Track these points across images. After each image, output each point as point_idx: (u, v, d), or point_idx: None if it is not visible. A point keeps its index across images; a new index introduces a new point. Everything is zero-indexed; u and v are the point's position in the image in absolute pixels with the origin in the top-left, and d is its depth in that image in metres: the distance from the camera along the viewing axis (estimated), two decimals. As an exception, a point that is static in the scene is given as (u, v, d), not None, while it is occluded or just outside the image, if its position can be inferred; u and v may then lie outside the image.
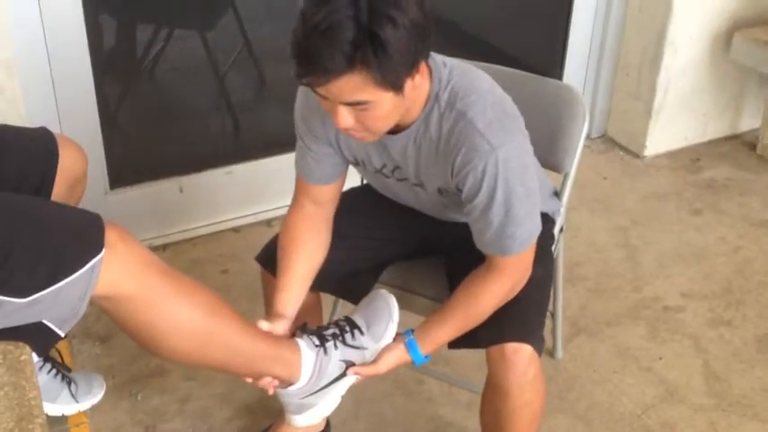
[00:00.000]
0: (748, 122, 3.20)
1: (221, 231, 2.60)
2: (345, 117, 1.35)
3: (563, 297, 2.15)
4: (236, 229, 2.62)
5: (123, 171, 2.49)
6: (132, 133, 2.64)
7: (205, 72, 2.68)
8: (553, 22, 3.02)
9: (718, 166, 3.04)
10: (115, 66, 2.54)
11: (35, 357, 1.59)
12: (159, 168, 2.56)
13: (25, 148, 1.58)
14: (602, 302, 2.39)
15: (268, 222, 2.63)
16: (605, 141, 3.17)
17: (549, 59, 3.05)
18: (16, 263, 1.25)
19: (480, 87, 1.46)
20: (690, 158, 3.09)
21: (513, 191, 1.44)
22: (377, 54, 1.26)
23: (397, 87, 1.32)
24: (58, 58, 2.22)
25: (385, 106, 1.34)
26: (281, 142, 2.62)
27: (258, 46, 2.70)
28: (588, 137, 3.14)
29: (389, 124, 1.41)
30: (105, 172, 2.42)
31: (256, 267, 1.78)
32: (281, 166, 2.59)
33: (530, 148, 1.50)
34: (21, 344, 1.26)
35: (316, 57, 1.26)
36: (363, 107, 1.33)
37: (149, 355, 2.15)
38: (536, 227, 1.52)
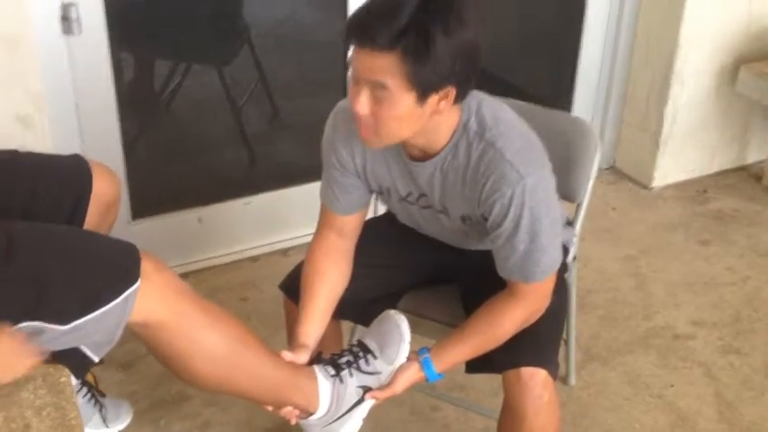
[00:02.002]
0: (755, 154, 3.26)
1: (240, 260, 2.65)
2: (364, 103, 1.39)
3: (575, 325, 2.20)
4: (254, 258, 2.68)
5: (145, 202, 2.55)
6: (153, 165, 2.71)
7: (222, 105, 2.75)
8: (562, 55, 3.10)
9: (725, 198, 3.10)
10: (138, 100, 2.62)
11: (73, 380, 1.66)
12: (179, 199, 2.63)
13: (59, 173, 1.64)
14: (614, 330, 2.43)
15: (285, 252, 2.68)
16: (614, 172, 3.23)
17: (559, 92, 3.12)
18: (58, 292, 1.31)
19: (507, 119, 1.53)
20: (697, 190, 3.14)
21: (539, 219, 1.49)
22: (418, 48, 1.32)
23: (421, 91, 1.37)
24: (83, 93, 2.30)
25: (401, 107, 1.38)
26: (296, 174, 2.70)
27: (273, 80, 2.78)
28: (597, 168, 3.21)
29: (398, 133, 1.45)
30: (128, 203, 2.48)
31: (274, 295, 1.83)
32: (296, 197, 2.67)
33: (553, 179, 1.56)
34: (60, 366, 1.31)
35: (370, 23, 1.34)
36: (382, 94, 1.37)
37: (171, 382, 2.21)
38: (558, 255, 1.57)
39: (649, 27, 2.96)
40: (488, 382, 1.69)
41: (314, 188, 1.75)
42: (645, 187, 3.14)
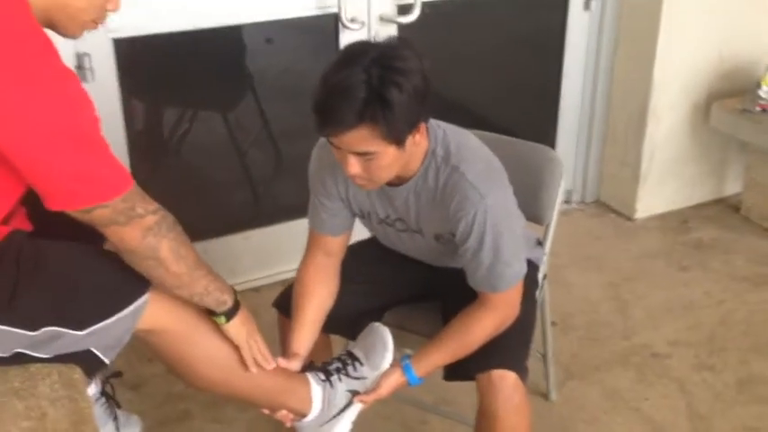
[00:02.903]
0: (732, 187, 3.43)
1: (242, 291, 2.79)
2: (354, 165, 1.58)
3: (556, 345, 2.35)
4: (255, 289, 2.84)
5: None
6: (160, 204, 2.88)
7: (227, 149, 2.94)
8: (544, 96, 3.29)
9: (705, 228, 3.26)
10: (147, 144, 2.82)
11: (92, 390, 1.82)
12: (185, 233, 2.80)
13: None
14: (594, 350, 2.58)
15: (284, 282, 2.81)
16: (598, 206, 3.40)
17: (542, 131, 3.30)
18: (77, 302, 1.50)
19: (469, 145, 1.71)
20: (678, 221, 3.30)
21: (501, 235, 1.65)
22: (384, 112, 1.49)
23: (399, 142, 1.55)
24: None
25: (388, 158, 1.57)
26: (295, 209, 2.86)
27: (275, 125, 2.97)
28: (582, 201, 3.40)
29: (390, 175, 1.64)
30: (137, 237, 2.65)
31: (273, 323, 1.99)
32: (295, 231, 2.83)
33: (513, 198, 1.73)
34: (73, 365, 1.48)
35: (333, 112, 1.51)
36: (370, 157, 1.55)
37: (176, 401, 2.37)
38: (522, 267, 1.73)
39: (624, 69, 3.16)
40: (471, 400, 1.83)
41: None
42: (628, 219, 3.30)
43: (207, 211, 2.94)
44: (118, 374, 2.06)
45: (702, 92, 3.17)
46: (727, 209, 3.38)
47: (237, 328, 1.63)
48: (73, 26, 1.47)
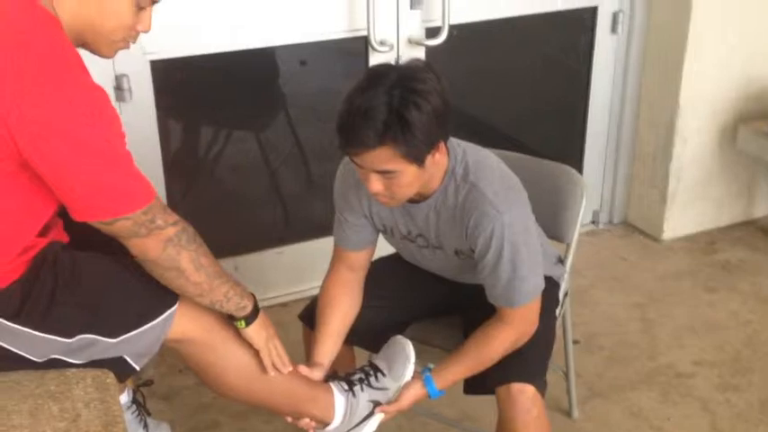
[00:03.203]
0: (762, 208, 3.43)
1: (271, 306, 2.88)
2: (376, 183, 1.63)
3: (580, 364, 2.38)
4: (284, 305, 2.91)
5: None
6: (194, 220, 2.96)
7: (259, 167, 3.02)
8: (571, 117, 3.33)
9: (732, 249, 3.26)
10: (182, 162, 2.90)
11: (124, 399, 1.89)
12: (217, 249, 2.84)
13: None
14: (618, 369, 2.59)
15: (312, 298, 2.90)
16: (626, 227, 3.42)
17: (569, 152, 3.34)
18: (111, 312, 1.57)
19: (488, 164, 1.76)
20: (706, 242, 3.31)
21: (518, 250, 1.70)
22: (404, 133, 1.55)
23: (419, 161, 1.61)
24: (133, 155, 2.58)
25: (409, 176, 1.62)
26: (324, 227, 2.92)
27: (306, 145, 3.04)
28: (609, 222, 3.42)
29: (411, 192, 1.69)
30: (171, 252, 2.73)
31: (300, 336, 2.04)
32: (324, 248, 2.89)
33: (531, 215, 1.77)
34: (106, 370, 1.55)
35: (355, 132, 1.57)
36: (391, 175, 1.61)
37: (205, 412, 2.43)
38: (539, 283, 1.77)
39: (651, 91, 3.19)
40: (494, 413, 1.86)
41: None
42: (655, 240, 3.31)
43: (239, 228, 3.02)
44: (149, 383, 2.13)
45: (729, 114, 3.19)
46: (755, 231, 3.38)
47: (257, 331, 1.70)
48: (104, 46, 1.54)
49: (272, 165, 3.05)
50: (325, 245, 2.90)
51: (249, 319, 1.68)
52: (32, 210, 1.52)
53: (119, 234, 1.48)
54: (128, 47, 1.59)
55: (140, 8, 1.53)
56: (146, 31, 1.58)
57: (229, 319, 1.68)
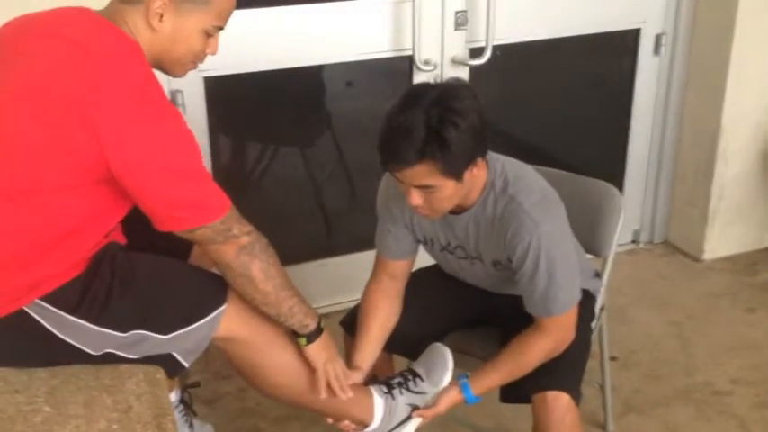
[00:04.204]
0: (805, 231, 3.42)
1: (313, 316, 2.96)
2: (416, 197, 1.71)
3: (617, 380, 2.41)
4: (326, 315, 2.96)
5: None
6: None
7: (304, 182, 3.11)
8: (613, 137, 3.37)
9: (774, 271, 3.26)
10: (231, 175, 3.01)
11: (173, 397, 1.98)
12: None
13: None
14: (654, 385, 2.61)
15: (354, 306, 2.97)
16: (666, 246, 3.44)
17: (610, 171, 3.36)
18: (163, 309, 1.67)
19: (526, 177, 1.82)
20: (747, 263, 3.31)
21: (554, 260, 1.75)
22: (442, 150, 1.62)
23: (457, 177, 1.68)
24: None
25: (447, 191, 1.70)
26: (366, 241, 3.00)
27: (350, 161, 3.12)
28: (650, 242, 3.44)
29: (450, 206, 1.76)
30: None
31: (341, 345, 2.11)
32: (366, 261, 2.96)
33: (568, 228, 1.83)
34: (157, 367, 1.64)
35: (395, 150, 1.65)
36: (430, 190, 1.69)
37: (246, 417, 2.51)
38: (576, 293, 1.82)
39: (694, 112, 3.22)
40: (529, 424, 1.92)
41: None
42: (696, 260, 3.32)
43: (284, 240, 3.08)
44: (196, 384, 2.22)
45: (771, 135, 3.20)
46: (798, 253, 3.37)
47: (317, 351, 1.78)
48: (178, 68, 1.68)
49: (317, 180, 3.14)
50: (366, 258, 2.97)
51: (310, 338, 1.76)
52: (105, 214, 1.63)
53: (199, 241, 1.61)
54: (196, 67, 1.71)
55: (209, 36, 1.64)
56: (213, 54, 1.69)
57: (293, 335, 1.77)
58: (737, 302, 3.05)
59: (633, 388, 2.60)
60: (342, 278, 3.04)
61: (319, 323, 1.78)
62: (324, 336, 1.79)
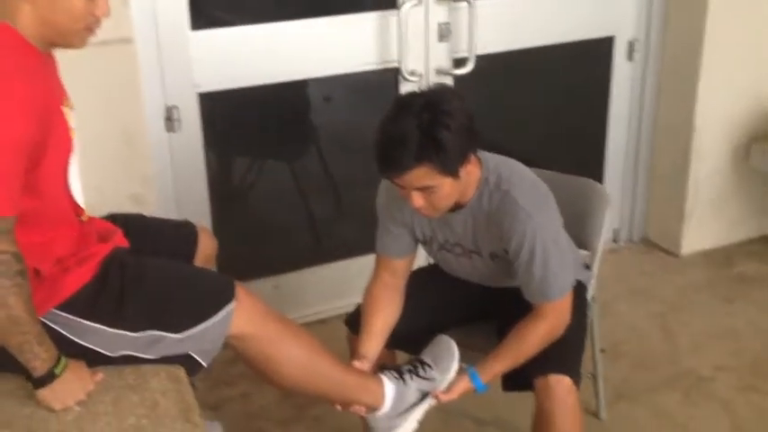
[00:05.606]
0: (777, 224, 3.57)
1: (310, 322, 3.03)
2: (417, 199, 1.81)
3: (607, 370, 2.53)
4: (322, 321, 3.06)
5: (229, 272, 2.95)
6: (236, 242, 3.14)
7: (293, 194, 3.19)
8: (591, 141, 3.50)
9: (749, 263, 3.39)
10: (226, 188, 3.08)
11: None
12: (257, 270, 3.05)
13: (177, 231, 2.10)
14: (642, 374, 2.73)
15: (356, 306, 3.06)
16: (646, 243, 3.57)
17: (589, 174, 3.45)
18: (175, 309, 1.74)
19: (518, 173, 1.94)
20: (723, 256, 3.45)
21: (548, 249, 1.86)
22: (437, 151, 1.73)
23: (454, 174, 1.78)
24: (181, 180, 2.77)
25: (446, 189, 1.80)
26: (354, 248, 3.11)
27: (336, 174, 3.20)
28: (630, 240, 3.56)
29: (450, 203, 1.87)
30: (216, 272, 2.91)
31: (341, 352, 2.15)
32: (355, 268, 3.07)
33: (559, 218, 1.94)
34: (177, 366, 1.72)
35: (393, 157, 1.75)
36: (431, 190, 1.79)
37: (251, 420, 2.58)
38: (570, 279, 1.94)
39: (667, 114, 3.36)
40: (527, 415, 2.01)
41: (370, 259, 2.13)
42: (674, 256, 3.46)
43: (278, 250, 3.18)
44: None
45: (742, 134, 3.35)
46: (771, 246, 3.52)
47: (47, 400, 1.62)
48: (73, 39, 1.64)
49: (305, 191, 3.22)
50: (355, 264, 3.10)
51: (36, 383, 1.61)
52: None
53: None
54: (93, 33, 1.66)
55: None
56: (105, 16, 1.64)
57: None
58: (716, 294, 3.19)
59: (622, 377, 2.71)
60: (333, 284, 3.13)
61: (53, 370, 1.60)
62: (60, 383, 1.61)
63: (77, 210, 1.79)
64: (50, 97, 1.64)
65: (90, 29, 1.65)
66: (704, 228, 3.44)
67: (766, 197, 3.51)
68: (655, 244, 3.55)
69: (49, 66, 1.71)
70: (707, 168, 3.34)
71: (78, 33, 1.64)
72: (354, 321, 2.13)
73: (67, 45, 1.66)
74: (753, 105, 3.32)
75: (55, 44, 1.67)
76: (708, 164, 3.34)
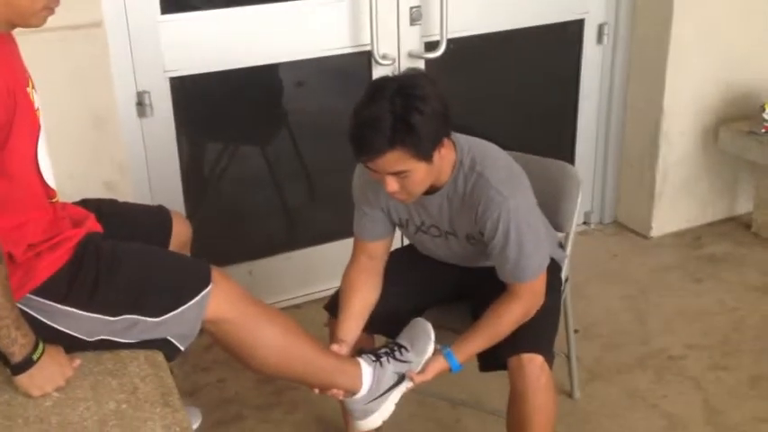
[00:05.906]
0: (744, 205, 3.62)
1: (285, 308, 3.04)
2: (391, 183, 1.82)
3: (580, 351, 2.56)
4: (297, 306, 3.07)
5: (204, 257, 2.95)
6: (210, 227, 3.13)
7: (266, 179, 3.19)
8: (562, 125, 3.53)
9: (718, 243, 3.45)
10: (198, 173, 3.07)
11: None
12: (232, 255, 3.04)
13: (151, 217, 2.09)
14: (615, 354, 2.77)
15: (324, 300, 3.06)
16: (616, 226, 3.61)
17: (561, 157, 3.46)
18: (151, 293, 1.73)
19: (492, 154, 1.95)
20: (692, 237, 3.50)
21: (523, 231, 1.88)
22: (410, 135, 1.74)
23: (427, 158, 1.79)
24: (154, 165, 2.76)
25: (420, 173, 1.81)
26: (327, 234, 3.12)
27: (308, 158, 3.19)
28: (600, 222, 3.60)
29: (424, 187, 1.88)
30: (190, 257, 2.89)
31: (317, 335, 2.16)
32: (328, 253, 3.07)
33: (533, 199, 1.96)
34: (156, 351, 1.72)
35: (366, 141, 1.76)
36: (404, 175, 1.80)
37: (228, 406, 2.58)
38: (544, 259, 1.96)
39: (637, 97, 3.40)
40: (502, 395, 2.04)
41: (344, 244, 2.13)
42: (645, 237, 3.50)
43: (251, 235, 3.17)
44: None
45: (711, 116, 3.39)
46: (739, 226, 3.57)
47: (25, 386, 1.61)
48: (32, 19, 1.63)
49: (278, 176, 3.21)
50: (328, 249, 3.11)
51: (14, 369, 1.60)
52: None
53: None
54: (53, 12, 1.66)
55: None
56: None
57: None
58: (686, 274, 3.24)
59: (595, 357, 2.75)
60: (307, 270, 3.14)
61: (30, 356, 1.60)
62: (38, 369, 1.60)
63: (49, 191, 1.77)
64: (13, 78, 1.63)
65: (49, 7, 1.65)
66: (674, 209, 3.49)
67: (734, 179, 3.57)
68: (625, 226, 3.59)
69: (10, 46, 1.70)
70: (676, 151, 3.39)
71: (38, 13, 1.64)
72: (334, 306, 2.14)
73: (27, 24, 1.66)
74: (721, 88, 3.37)
75: (14, 24, 1.66)
76: (677, 146, 3.38)
